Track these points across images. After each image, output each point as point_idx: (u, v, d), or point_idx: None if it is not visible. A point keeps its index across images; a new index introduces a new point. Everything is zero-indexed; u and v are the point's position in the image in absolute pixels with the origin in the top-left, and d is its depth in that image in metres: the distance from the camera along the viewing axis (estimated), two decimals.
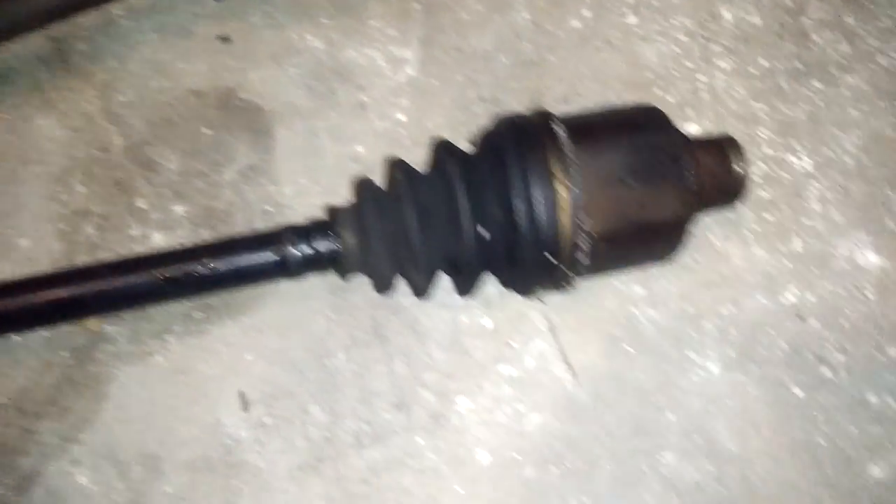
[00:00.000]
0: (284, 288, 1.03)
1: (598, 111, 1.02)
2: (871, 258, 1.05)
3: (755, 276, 1.05)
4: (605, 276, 1.03)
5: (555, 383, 1.00)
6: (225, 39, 1.15)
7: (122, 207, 1.08)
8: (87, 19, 1.15)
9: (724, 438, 0.98)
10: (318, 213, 0.97)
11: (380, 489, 0.96)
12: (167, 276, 0.92)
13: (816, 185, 1.09)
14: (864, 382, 1.00)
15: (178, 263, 0.93)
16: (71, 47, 1.15)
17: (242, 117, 1.12)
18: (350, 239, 0.93)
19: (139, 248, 1.05)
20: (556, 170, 0.88)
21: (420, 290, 0.97)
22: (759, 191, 1.09)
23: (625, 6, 1.17)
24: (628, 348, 1.02)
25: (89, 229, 1.07)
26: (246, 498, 0.96)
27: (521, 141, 0.91)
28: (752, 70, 1.14)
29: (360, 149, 1.10)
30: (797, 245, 1.06)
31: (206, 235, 1.06)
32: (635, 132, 0.93)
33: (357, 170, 1.06)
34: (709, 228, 1.07)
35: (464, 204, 0.90)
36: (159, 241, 1.06)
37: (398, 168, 0.94)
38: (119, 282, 0.93)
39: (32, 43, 1.12)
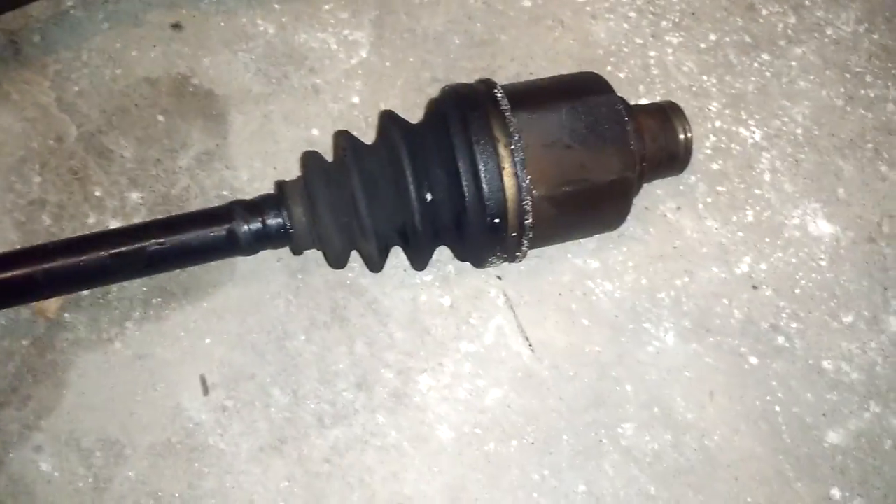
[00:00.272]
0: (243, 271, 0.98)
1: (540, 79, 0.98)
2: (822, 226, 1.02)
3: (709, 248, 1.01)
4: (557, 248, 0.99)
5: (514, 358, 0.96)
6: (177, 26, 1.10)
7: (79, 196, 1.02)
8: (39, 11, 1.09)
9: (682, 408, 0.94)
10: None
11: (343, 468, 0.91)
12: (116, 252, 0.87)
13: (767, 155, 1.05)
14: (818, 350, 0.97)
15: (127, 241, 0.88)
16: (24, 39, 1.09)
17: (196, 103, 1.06)
18: (298, 212, 0.88)
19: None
20: (500, 135, 0.85)
21: (373, 262, 0.92)
22: (710, 163, 1.05)
23: None
24: (585, 322, 0.98)
25: (46, 219, 1.01)
26: (209, 481, 0.91)
27: (464, 108, 0.87)
28: (701, 45, 1.10)
29: (314, 132, 1.05)
30: (749, 215, 1.02)
31: None
32: (576, 97, 0.89)
33: None
34: (661, 201, 1.03)
35: (409, 171, 0.86)
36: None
37: (343, 139, 0.90)
38: (68, 261, 0.87)
39: None
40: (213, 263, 0.96)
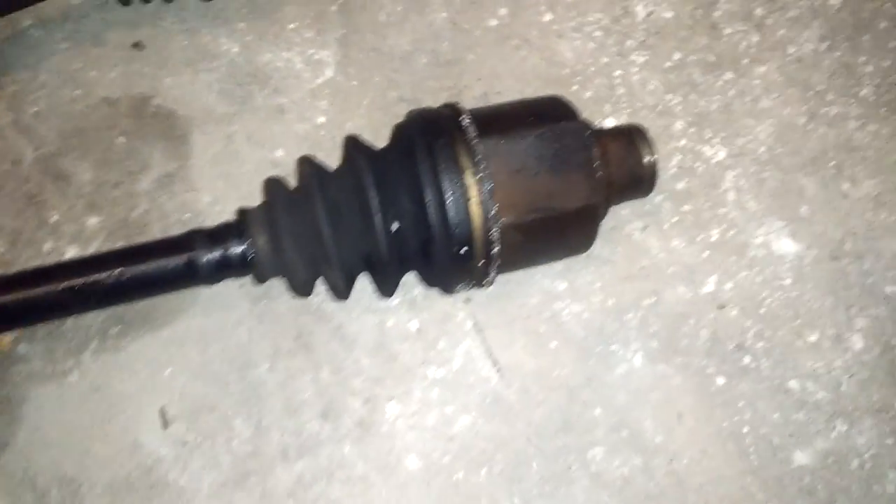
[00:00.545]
0: (204, 298, 0.90)
1: (506, 104, 0.91)
2: (786, 245, 0.96)
3: (675, 267, 0.95)
4: (525, 271, 0.92)
5: (482, 383, 0.89)
6: (137, 46, 1.01)
7: (34, 222, 0.94)
8: None
9: (651, 431, 0.88)
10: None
11: (307, 502, 0.84)
12: (72, 285, 0.79)
13: (731, 174, 0.99)
14: (784, 369, 0.91)
15: (83, 272, 0.80)
16: None
17: (157, 124, 0.98)
18: (261, 240, 0.81)
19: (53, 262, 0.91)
20: (466, 163, 0.78)
21: (338, 291, 0.85)
22: (675, 182, 0.99)
23: (541, 4, 1.06)
24: (553, 344, 0.91)
25: (0, 246, 0.93)
26: None
27: (430, 135, 0.80)
28: (665, 63, 1.04)
29: (279, 153, 0.98)
30: (715, 235, 0.96)
31: (121, 247, 0.92)
32: (542, 123, 0.83)
33: (277, 174, 0.92)
34: (627, 221, 0.97)
35: (374, 199, 0.79)
36: (74, 254, 0.93)
37: (307, 165, 0.82)
38: (21, 295, 0.79)
39: None
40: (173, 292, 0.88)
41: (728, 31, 1.06)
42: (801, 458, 0.88)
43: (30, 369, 0.88)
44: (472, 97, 1.01)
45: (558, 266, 0.94)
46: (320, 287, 0.88)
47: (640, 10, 1.07)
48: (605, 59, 1.04)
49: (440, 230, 0.78)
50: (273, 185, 0.83)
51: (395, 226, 0.80)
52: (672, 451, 0.87)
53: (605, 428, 0.88)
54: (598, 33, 1.05)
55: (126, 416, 0.86)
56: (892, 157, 1.01)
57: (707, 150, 1.00)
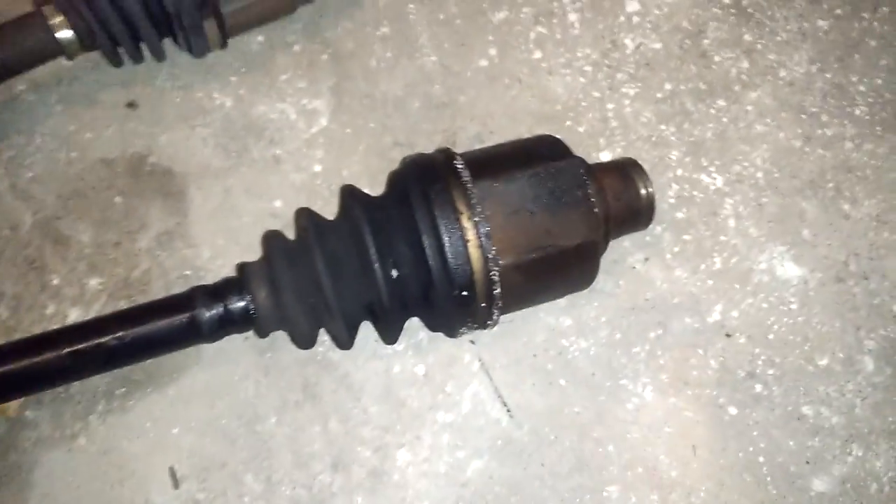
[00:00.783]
0: (209, 353, 0.91)
1: (499, 145, 0.92)
2: (790, 269, 0.97)
3: (680, 298, 0.95)
4: (529, 309, 0.93)
5: (493, 426, 0.90)
6: (131, 105, 1.03)
7: (36, 286, 0.95)
8: None
9: (665, 466, 0.88)
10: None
11: None
12: (74, 350, 0.79)
13: (730, 201, 1.00)
14: (797, 395, 0.91)
15: (85, 337, 0.80)
16: None
17: (154, 182, 1.00)
18: (261, 295, 0.81)
19: (56, 327, 0.92)
20: (462, 207, 0.79)
21: (341, 341, 0.86)
22: (674, 212, 1.00)
23: (529, 42, 1.08)
24: (562, 382, 0.92)
25: (3, 311, 0.94)
26: None
27: (425, 181, 0.82)
28: (657, 94, 1.06)
29: (277, 203, 0.99)
30: (717, 263, 0.97)
31: (123, 307, 0.93)
32: (536, 163, 0.84)
33: (276, 225, 0.93)
34: (629, 253, 0.98)
35: (372, 247, 0.80)
36: (76, 317, 0.93)
37: (304, 217, 0.84)
38: (24, 363, 0.80)
39: None
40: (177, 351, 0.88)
41: (717, 58, 1.08)
42: (819, 485, 0.88)
43: (38, 435, 0.88)
44: (467, 138, 1.02)
45: (562, 302, 0.95)
46: (325, 336, 0.89)
47: (629, 43, 1.09)
48: (597, 94, 1.06)
49: (440, 275, 0.79)
50: (271, 239, 0.84)
51: (394, 273, 0.81)
52: (688, 486, 0.87)
53: (620, 465, 0.88)
54: (588, 68, 1.07)
55: (136, 477, 0.86)
56: (891, 176, 1.02)
57: (704, 179, 1.01)
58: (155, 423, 0.88)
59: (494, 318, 0.85)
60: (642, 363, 0.92)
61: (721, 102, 1.05)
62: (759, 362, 0.92)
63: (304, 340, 0.85)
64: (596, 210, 0.84)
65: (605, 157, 1.02)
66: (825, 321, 0.95)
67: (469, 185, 0.81)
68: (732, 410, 0.90)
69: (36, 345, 0.82)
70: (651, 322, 0.94)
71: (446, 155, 0.85)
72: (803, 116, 1.05)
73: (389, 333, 0.87)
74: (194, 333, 0.82)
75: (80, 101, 1.03)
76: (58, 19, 0.95)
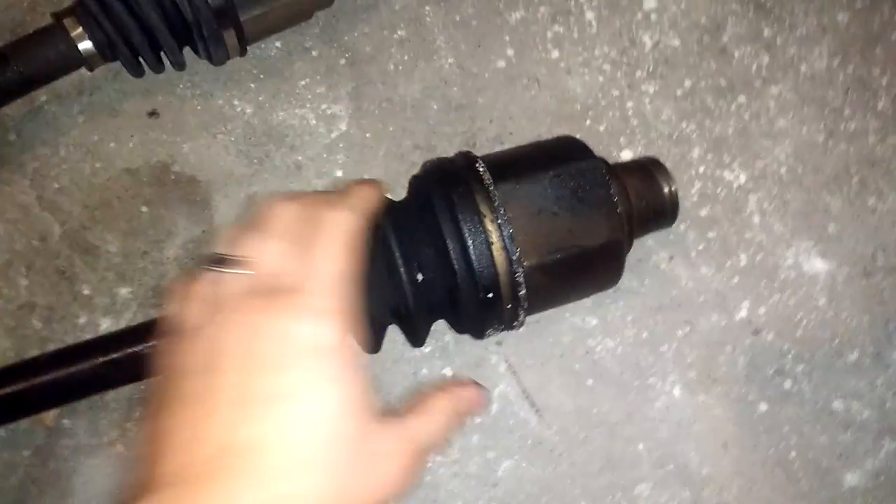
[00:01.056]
0: None
1: (519, 147, 0.94)
2: (817, 265, 0.97)
3: (706, 296, 0.96)
4: (554, 310, 0.94)
5: (522, 426, 0.91)
6: (153, 114, 1.05)
7: (67, 296, 0.97)
8: (13, 108, 1.04)
9: (696, 463, 0.89)
10: None
11: None
12: (109, 360, 0.81)
13: (754, 197, 1.01)
14: (827, 390, 0.92)
15: (120, 346, 0.82)
16: None
17: (179, 191, 1.01)
18: None
19: (88, 337, 0.94)
20: (485, 209, 0.80)
21: (368, 345, 0.87)
22: (698, 210, 1.00)
23: (547, 41, 1.08)
24: (590, 382, 0.93)
25: (36, 323, 0.96)
26: None
27: (447, 185, 0.82)
28: (677, 91, 1.06)
29: None
30: (743, 260, 0.98)
31: (154, 315, 0.95)
32: (558, 164, 0.85)
33: None
34: (654, 252, 0.98)
35: (396, 252, 0.81)
36: (108, 326, 0.95)
37: None
38: (61, 373, 0.81)
39: None
40: None
41: (737, 54, 1.09)
42: (851, 479, 0.89)
43: (76, 443, 0.90)
44: (487, 140, 1.04)
45: (587, 302, 0.96)
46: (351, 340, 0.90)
47: (647, 41, 1.09)
48: (616, 92, 1.07)
49: (465, 277, 0.80)
50: None
51: (419, 277, 0.82)
52: (720, 483, 0.88)
53: (650, 463, 0.89)
54: (606, 66, 1.08)
55: None
56: None
57: (727, 175, 1.02)
58: None
59: (520, 319, 0.85)
60: (670, 361, 0.93)
61: (742, 98, 1.06)
62: (788, 358, 0.93)
63: None
64: (619, 209, 0.85)
65: (626, 155, 1.03)
66: (854, 316, 0.95)
67: (491, 188, 0.82)
68: (762, 407, 0.91)
69: (71, 356, 0.84)
70: (678, 320, 0.95)
71: (467, 158, 0.86)
72: (825, 111, 1.05)
73: (416, 337, 0.88)
74: None
75: (103, 111, 1.05)
76: (78, 30, 0.97)
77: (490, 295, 0.82)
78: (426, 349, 0.93)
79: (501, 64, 1.08)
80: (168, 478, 0.52)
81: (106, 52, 0.98)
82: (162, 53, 1.01)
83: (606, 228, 0.84)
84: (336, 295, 0.59)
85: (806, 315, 0.95)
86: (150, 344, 0.82)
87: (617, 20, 1.10)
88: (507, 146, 1.02)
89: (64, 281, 0.97)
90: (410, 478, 0.64)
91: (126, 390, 0.91)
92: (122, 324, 0.95)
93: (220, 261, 0.63)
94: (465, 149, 0.94)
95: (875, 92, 1.07)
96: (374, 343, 0.88)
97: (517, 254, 0.81)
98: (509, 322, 0.86)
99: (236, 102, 1.06)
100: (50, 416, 0.91)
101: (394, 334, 0.91)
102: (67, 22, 0.97)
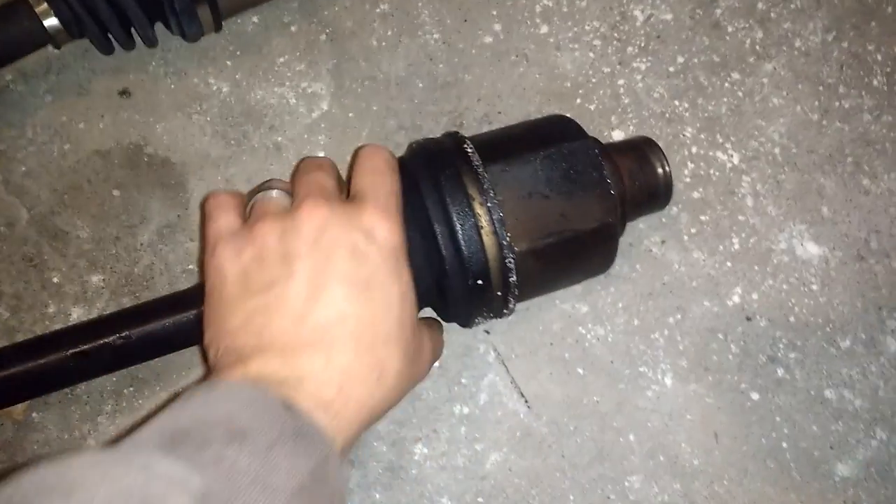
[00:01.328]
0: None
1: (509, 127, 0.91)
2: (810, 248, 0.96)
3: (698, 281, 0.94)
4: (544, 297, 0.92)
5: (511, 417, 0.89)
6: (125, 93, 1.00)
7: (36, 284, 0.93)
8: None
9: (688, 454, 0.88)
10: None
11: None
12: (79, 351, 0.78)
13: (747, 179, 0.99)
14: (819, 378, 0.91)
15: (89, 337, 0.79)
16: None
17: (152, 174, 0.97)
18: None
19: (58, 327, 0.91)
20: (474, 192, 0.77)
21: None
22: (691, 192, 0.98)
23: (535, 16, 1.05)
24: (580, 371, 0.91)
25: (3, 312, 0.92)
26: None
27: (434, 167, 0.79)
28: (669, 68, 1.03)
29: None
30: (736, 244, 0.96)
31: (127, 304, 0.92)
32: (549, 144, 0.82)
33: None
34: (645, 235, 0.96)
35: None
36: (79, 315, 0.92)
37: None
38: (27, 365, 0.78)
39: None
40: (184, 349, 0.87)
41: (731, 29, 1.05)
42: (843, 470, 0.88)
43: (46, 437, 0.87)
44: (474, 119, 1.00)
45: (578, 289, 0.93)
46: None
47: (639, 15, 1.06)
48: (607, 69, 1.03)
49: (454, 263, 0.77)
50: None
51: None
52: (711, 474, 0.87)
53: (641, 454, 0.88)
54: (597, 42, 1.04)
55: None
56: None
57: (720, 156, 1.00)
58: None
59: (511, 306, 0.83)
60: (661, 349, 0.91)
61: (735, 75, 1.03)
62: (781, 346, 0.92)
63: None
64: (612, 191, 0.82)
65: (618, 135, 1.00)
66: (846, 301, 0.94)
67: (480, 170, 0.79)
68: (754, 396, 0.90)
69: (39, 347, 0.80)
70: (669, 307, 0.93)
71: (455, 139, 0.83)
72: (820, 88, 1.03)
73: None
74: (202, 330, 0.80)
75: (71, 90, 1.00)
76: (43, 6, 0.92)
77: (479, 282, 0.79)
78: None
79: (489, 39, 1.04)
80: (273, 345, 0.63)
81: (73, 28, 0.93)
82: (132, 29, 0.97)
83: (600, 211, 0.82)
84: (395, 203, 0.73)
85: (798, 301, 0.94)
86: (123, 334, 0.79)
87: None
88: (495, 126, 0.99)
89: (32, 268, 0.93)
90: (437, 357, 0.82)
91: (99, 383, 0.89)
92: (94, 313, 0.91)
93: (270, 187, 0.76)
94: (452, 129, 0.91)
95: (870, 68, 1.04)
96: None
97: (507, 238, 0.78)
98: (499, 310, 0.84)
99: (212, 81, 1.01)
100: (19, 409, 0.88)
101: None
102: None
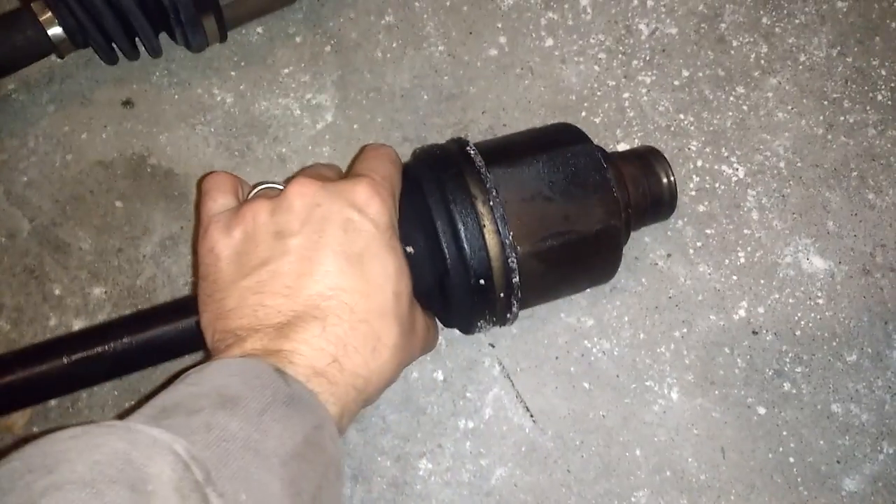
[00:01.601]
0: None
1: (513, 134, 0.91)
2: (816, 262, 0.95)
3: (704, 295, 0.94)
4: (549, 309, 0.92)
5: (516, 432, 0.89)
6: (128, 103, 1.00)
7: (37, 297, 0.92)
8: None
9: (694, 469, 0.87)
10: None
11: None
12: (78, 358, 0.77)
13: (753, 192, 0.99)
14: (826, 393, 0.90)
15: (89, 344, 0.78)
16: None
17: (156, 185, 0.97)
18: None
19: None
20: (476, 191, 0.77)
21: None
22: (696, 205, 0.98)
23: (540, 29, 1.05)
24: (586, 385, 0.90)
25: (4, 324, 0.92)
26: None
27: (437, 168, 0.79)
28: (674, 82, 1.03)
29: None
30: (742, 257, 0.96)
31: None
32: (552, 148, 0.82)
33: None
34: (651, 249, 0.96)
35: None
36: (80, 328, 0.91)
37: None
38: (26, 372, 0.77)
39: None
40: (185, 357, 0.86)
41: (735, 43, 1.06)
42: (850, 484, 0.87)
43: None
44: (479, 131, 1.00)
45: (583, 302, 0.93)
46: None
47: (644, 29, 1.06)
48: (612, 82, 1.03)
49: (456, 262, 0.77)
50: None
51: (409, 248, 0.78)
52: (718, 489, 0.87)
53: (647, 469, 0.87)
54: (602, 55, 1.05)
55: None
56: None
57: (726, 170, 1.00)
58: None
59: (514, 310, 0.82)
60: (667, 363, 0.91)
61: (740, 89, 1.03)
62: (787, 360, 0.91)
63: None
64: (615, 193, 0.82)
65: (623, 148, 1.00)
66: (852, 316, 0.94)
67: (483, 170, 0.79)
68: (761, 410, 0.89)
69: (37, 354, 0.80)
70: (675, 321, 0.93)
71: (459, 143, 0.83)
72: (825, 103, 1.03)
73: None
74: (202, 338, 0.80)
75: (74, 100, 1.00)
76: (47, 15, 0.92)
77: (482, 281, 0.78)
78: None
79: (494, 52, 1.04)
80: (268, 324, 0.63)
81: (77, 37, 0.93)
82: (136, 39, 0.97)
83: (603, 213, 0.81)
84: (390, 187, 0.73)
85: (805, 315, 0.93)
86: (122, 341, 0.78)
87: (612, 6, 1.07)
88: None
89: (33, 280, 0.93)
90: (432, 342, 0.82)
91: (100, 396, 0.88)
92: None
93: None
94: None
95: (875, 83, 1.04)
96: None
97: (510, 238, 0.77)
98: (502, 314, 0.82)
99: (216, 91, 1.01)
100: (20, 423, 0.87)
101: None
102: (36, 6, 0.92)
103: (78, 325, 0.91)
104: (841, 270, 0.95)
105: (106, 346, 0.78)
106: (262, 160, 0.99)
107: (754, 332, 0.93)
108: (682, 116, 1.02)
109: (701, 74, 1.04)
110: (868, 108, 1.03)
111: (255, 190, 0.76)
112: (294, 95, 1.01)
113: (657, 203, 0.90)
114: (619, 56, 1.05)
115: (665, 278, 0.95)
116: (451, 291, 0.79)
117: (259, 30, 1.04)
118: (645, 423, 0.89)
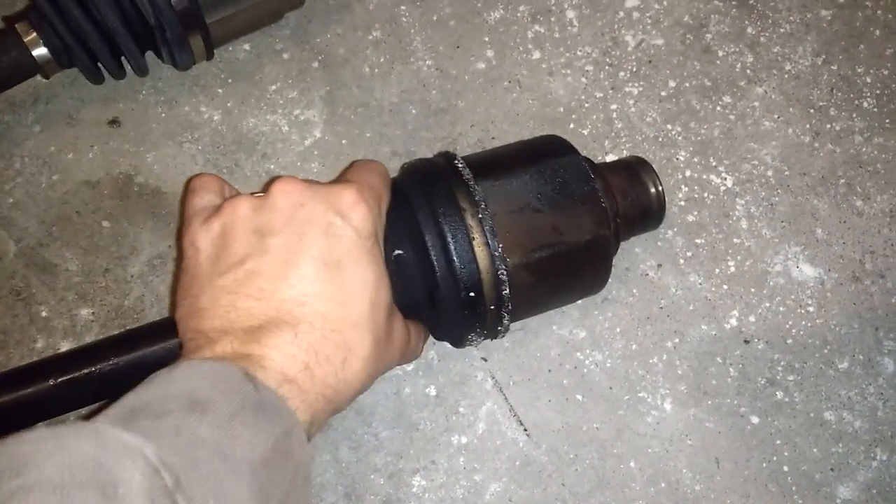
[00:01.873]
0: None
1: (501, 147, 0.91)
2: (806, 270, 0.96)
3: (695, 305, 0.94)
4: (541, 322, 0.92)
5: (510, 446, 0.88)
6: (114, 122, 1.00)
7: (24, 319, 0.92)
8: None
9: (689, 480, 0.87)
10: None
11: None
12: (65, 379, 0.76)
13: (741, 202, 0.99)
14: (818, 401, 0.91)
15: (75, 365, 0.76)
16: None
17: (143, 204, 0.97)
18: None
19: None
20: (465, 204, 0.77)
21: None
22: (685, 215, 0.98)
23: (527, 42, 1.06)
24: (579, 397, 0.90)
25: None
26: None
27: (425, 182, 0.80)
28: (661, 93, 1.04)
29: None
30: (732, 266, 0.96)
31: None
32: (539, 160, 0.83)
33: None
34: (641, 260, 0.96)
35: None
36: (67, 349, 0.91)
37: None
38: (13, 395, 0.75)
39: None
40: None
41: (721, 53, 1.07)
42: (844, 492, 0.88)
43: None
44: (468, 145, 1.01)
45: (575, 314, 0.93)
46: None
47: (630, 40, 1.07)
48: (600, 94, 1.04)
49: (445, 275, 0.77)
50: None
51: (399, 252, 0.78)
52: (713, 499, 0.87)
53: (642, 481, 0.87)
54: (589, 67, 1.05)
55: None
56: None
57: (714, 179, 1.00)
58: None
59: (504, 322, 0.82)
60: (660, 374, 0.91)
61: (727, 99, 1.04)
62: (779, 368, 0.92)
63: None
64: (604, 204, 0.82)
65: (611, 159, 1.00)
66: (843, 323, 0.94)
67: (471, 184, 0.79)
68: (754, 419, 0.90)
69: (22, 377, 0.79)
70: (667, 331, 0.93)
71: (447, 157, 0.83)
72: (811, 111, 1.04)
73: None
74: None
75: (60, 120, 1.00)
76: (32, 36, 0.92)
77: (472, 294, 0.78)
78: (409, 367, 0.90)
79: (481, 66, 1.05)
80: (239, 327, 0.62)
81: (62, 57, 0.93)
82: (122, 58, 0.97)
83: (592, 224, 0.82)
84: (376, 197, 0.73)
85: (796, 323, 0.94)
86: (110, 362, 0.78)
87: (599, 19, 1.07)
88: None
89: (20, 302, 0.92)
90: (413, 352, 0.81)
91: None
92: None
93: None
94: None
95: (860, 91, 1.06)
96: None
97: (500, 250, 0.78)
98: (492, 327, 0.83)
99: (203, 109, 1.01)
100: None
101: None
102: (20, 27, 0.92)
103: (65, 346, 0.90)
104: (831, 278, 0.96)
105: (93, 368, 0.77)
106: (251, 177, 0.98)
107: (746, 341, 0.93)
108: (669, 127, 1.03)
109: (688, 85, 1.05)
110: (854, 115, 1.04)
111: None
112: (282, 112, 1.01)
113: (646, 213, 0.90)
114: (606, 68, 1.05)
115: (656, 289, 0.95)
116: (441, 304, 0.79)
117: (246, 47, 1.04)
118: (639, 435, 0.89)
